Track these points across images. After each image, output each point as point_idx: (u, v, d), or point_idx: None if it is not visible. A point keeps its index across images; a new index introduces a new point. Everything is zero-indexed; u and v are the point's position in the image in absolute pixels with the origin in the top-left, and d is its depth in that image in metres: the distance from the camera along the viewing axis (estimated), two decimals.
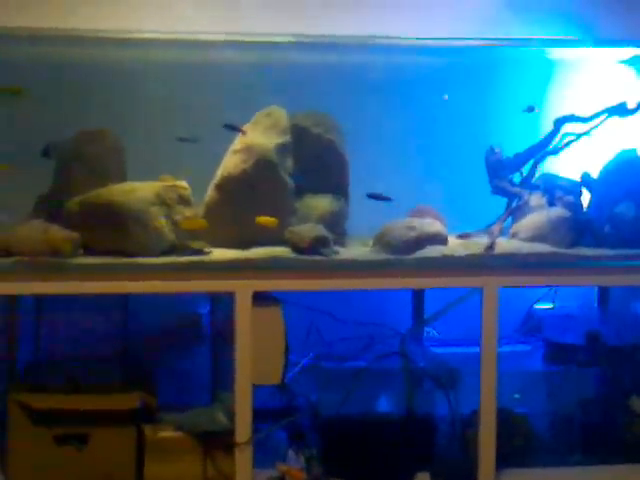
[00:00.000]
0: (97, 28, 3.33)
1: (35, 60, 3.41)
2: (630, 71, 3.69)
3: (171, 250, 3.10)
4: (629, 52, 3.59)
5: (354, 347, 3.42)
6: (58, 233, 3.01)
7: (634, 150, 3.44)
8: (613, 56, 3.66)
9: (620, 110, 3.51)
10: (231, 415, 3.08)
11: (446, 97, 3.45)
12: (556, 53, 3.66)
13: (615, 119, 3.52)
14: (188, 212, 3.16)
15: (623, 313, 3.63)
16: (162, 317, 3.36)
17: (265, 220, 3.14)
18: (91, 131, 3.29)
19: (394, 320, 3.50)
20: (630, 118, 3.52)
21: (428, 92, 3.58)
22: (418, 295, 3.57)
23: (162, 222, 3.08)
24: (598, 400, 3.47)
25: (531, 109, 3.53)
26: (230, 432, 3.06)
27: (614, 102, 3.51)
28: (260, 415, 3.12)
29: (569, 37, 3.66)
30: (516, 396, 3.43)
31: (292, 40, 3.40)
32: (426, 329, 3.62)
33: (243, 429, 3.05)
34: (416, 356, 3.42)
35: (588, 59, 3.68)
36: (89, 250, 3.05)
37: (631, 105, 3.50)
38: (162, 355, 3.37)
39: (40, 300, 3.27)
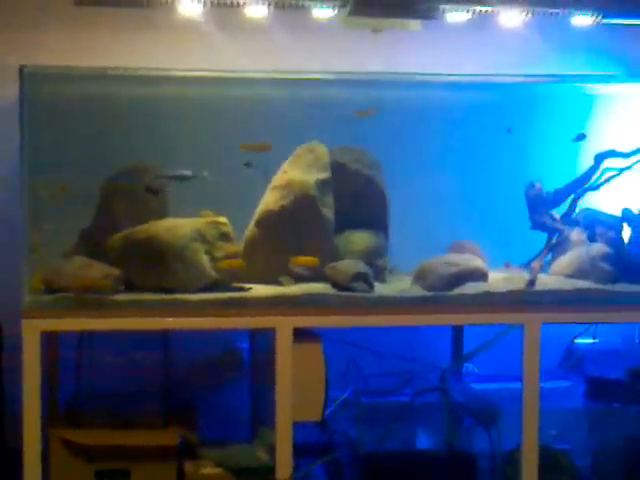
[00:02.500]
0: (140, 66, 3.37)
1: (78, 97, 3.45)
2: None
3: (212, 286, 3.11)
4: None
5: (394, 382, 3.41)
6: (99, 270, 3.03)
7: None
8: None
9: None
10: (271, 452, 3.08)
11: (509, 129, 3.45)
12: (597, 89, 3.66)
13: None
14: (229, 248, 3.17)
15: None
16: (203, 352, 3.37)
17: (305, 260, 3.14)
18: (132, 167, 3.32)
19: (434, 355, 3.49)
20: None
21: (471, 127, 3.58)
22: (458, 330, 3.56)
23: (203, 258, 3.10)
24: None
25: (582, 137, 3.51)
26: (270, 469, 3.06)
27: None
28: (300, 452, 3.11)
29: (609, 73, 3.66)
30: (553, 433, 3.41)
31: (335, 77, 3.42)
32: (466, 365, 3.60)
33: (283, 466, 3.04)
34: (456, 392, 3.41)
35: (628, 94, 3.67)
36: (131, 286, 3.07)
37: None
38: (203, 390, 3.37)
39: (82, 335, 3.29)
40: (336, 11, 3.32)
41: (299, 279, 3.20)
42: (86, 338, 3.25)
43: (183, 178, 3.18)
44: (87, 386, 3.28)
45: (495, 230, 3.56)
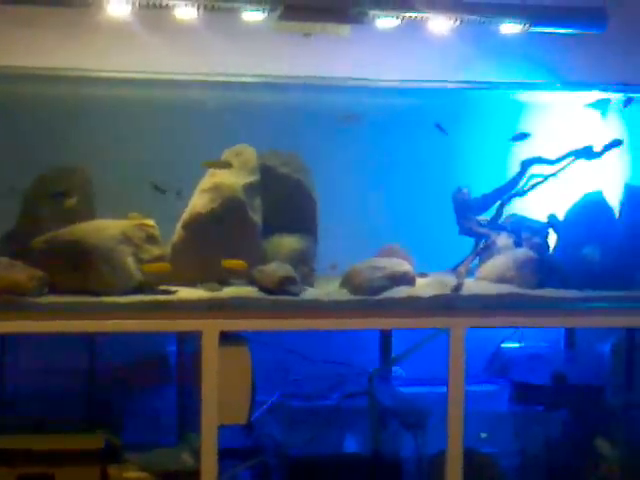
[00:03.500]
0: (68, 66, 3.34)
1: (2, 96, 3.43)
2: (596, 114, 3.74)
3: (138, 289, 3.09)
4: (595, 96, 3.63)
5: (322, 386, 3.42)
6: (23, 271, 3.00)
7: (599, 192, 3.48)
8: (580, 99, 3.70)
9: (586, 153, 3.55)
10: (197, 455, 3.07)
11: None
12: (524, 96, 3.70)
13: (581, 162, 3.56)
14: (156, 251, 3.16)
15: (589, 354, 3.65)
16: (129, 356, 3.35)
17: (233, 263, 3.14)
18: (59, 168, 3.29)
19: (362, 359, 3.51)
20: (596, 161, 3.57)
21: (397, 132, 3.60)
22: (386, 334, 3.58)
23: (129, 261, 3.08)
24: (564, 441, 3.48)
25: (522, 136, 3.55)
26: (196, 472, 3.04)
27: (581, 145, 3.56)
28: (226, 455, 3.11)
29: (538, 80, 3.70)
30: (483, 436, 3.44)
31: (263, 80, 3.42)
32: (394, 368, 3.62)
33: (209, 470, 3.03)
34: (383, 396, 3.42)
35: (556, 102, 3.72)
36: (55, 289, 3.04)
37: (597, 148, 3.55)
38: (128, 394, 3.35)
39: (4, 339, 3.25)
40: (266, 15, 3.32)
41: (225, 283, 3.20)
42: (9, 341, 3.22)
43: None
44: (10, 390, 3.24)
45: (424, 235, 3.59)
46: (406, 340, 3.44)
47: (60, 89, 3.46)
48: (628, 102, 3.50)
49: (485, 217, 3.57)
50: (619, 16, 3.59)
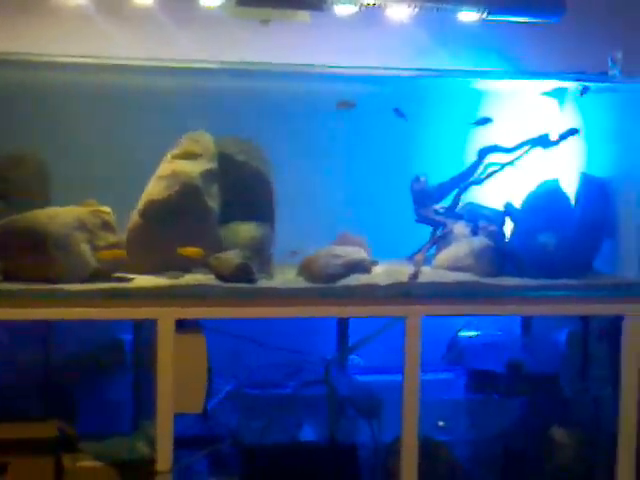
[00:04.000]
0: (21, 51, 3.29)
1: None
2: (553, 103, 3.75)
3: (93, 276, 3.07)
4: (552, 84, 3.64)
5: (278, 374, 3.41)
6: None
7: (556, 181, 3.50)
8: (537, 88, 3.71)
9: (543, 141, 3.56)
10: (152, 444, 3.05)
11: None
12: (482, 84, 3.70)
13: (538, 150, 3.58)
14: (111, 238, 3.13)
15: (545, 342, 3.67)
16: (84, 344, 3.32)
17: (190, 251, 3.12)
18: (12, 155, 3.25)
19: (319, 347, 3.50)
20: (553, 149, 3.58)
21: (354, 120, 3.59)
22: (343, 323, 3.58)
23: (84, 248, 3.05)
24: (520, 429, 3.50)
25: (485, 121, 3.56)
26: (151, 461, 3.03)
27: (537, 133, 3.57)
28: (182, 444, 3.09)
29: (494, 69, 3.71)
30: (441, 424, 3.45)
31: (219, 66, 3.39)
32: (351, 357, 3.62)
33: (164, 458, 3.01)
34: (340, 384, 3.42)
35: (513, 90, 3.73)
36: (10, 276, 3.01)
37: (553, 137, 3.56)
38: (83, 383, 3.32)
39: None
40: (223, 0, 3.30)
41: (184, 270, 3.18)
42: None
43: None
44: None
45: (381, 223, 3.59)
46: (363, 328, 3.44)
47: (11, 74, 3.41)
48: (584, 91, 3.51)
49: (443, 205, 3.57)
50: (576, 5, 3.59)
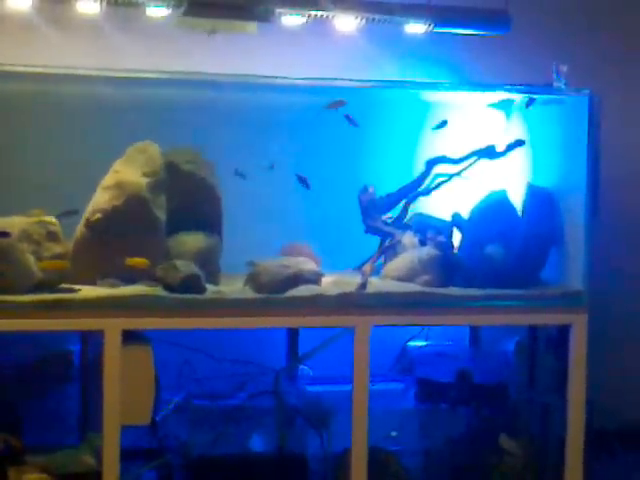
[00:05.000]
0: None
1: None
2: (499, 114, 3.78)
3: (39, 287, 3.04)
4: (498, 96, 3.67)
5: (228, 385, 3.40)
6: None
7: (503, 191, 3.52)
8: (483, 99, 3.74)
9: (489, 152, 3.59)
10: (99, 456, 3.03)
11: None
12: (430, 96, 3.72)
13: (485, 161, 3.60)
14: (57, 248, 3.10)
15: (493, 352, 3.69)
16: (30, 355, 3.28)
17: (136, 262, 3.10)
18: None
19: (268, 358, 3.49)
20: (499, 160, 3.61)
21: (303, 131, 3.60)
22: (293, 333, 3.57)
23: (29, 258, 3.02)
24: (469, 438, 3.52)
25: (442, 124, 3.59)
26: (97, 474, 3.01)
27: (484, 144, 3.60)
28: (129, 456, 3.07)
29: (442, 81, 3.74)
30: (393, 434, 3.46)
31: (166, 77, 3.38)
32: (300, 367, 3.61)
33: (111, 471, 2.99)
34: (290, 395, 3.42)
35: (460, 102, 3.75)
36: None
37: (500, 148, 3.59)
38: (29, 394, 3.28)
39: None
40: (170, 11, 3.29)
41: (126, 281, 3.16)
42: None
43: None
44: None
45: (330, 233, 3.60)
46: (313, 338, 3.44)
47: None
48: (530, 102, 3.55)
49: (391, 215, 3.58)
50: (522, 18, 3.63)
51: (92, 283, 3.14)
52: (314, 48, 3.61)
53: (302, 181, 3.45)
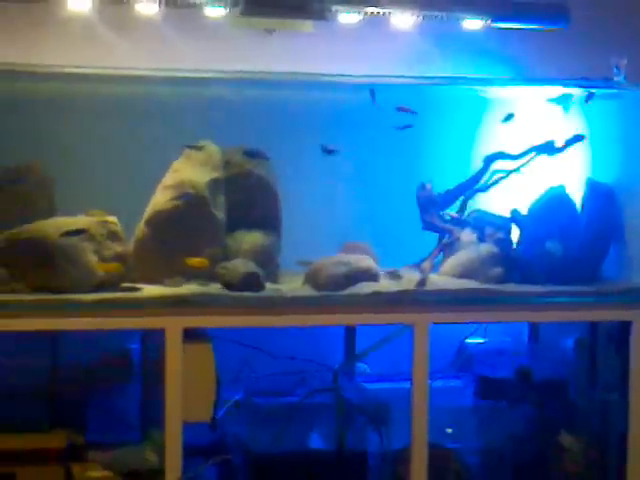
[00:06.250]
0: (25, 62, 3.30)
1: None
2: (558, 109, 3.75)
3: (100, 286, 3.07)
4: (557, 91, 3.64)
5: (286, 383, 3.41)
6: None
7: (562, 187, 3.50)
8: (543, 94, 3.71)
9: (548, 148, 3.56)
10: (161, 453, 3.05)
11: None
12: (487, 92, 3.71)
13: (544, 157, 3.58)
14: (118, 248, 3.14)
15: (552, 349, 3.66)
16: (92, 353, 3.32)
17: (195, 261, 3.13)
18: (18, 166, 3.26)
19: (327, 355, 3.50)
20: (558, 156, 3.58)
21: (360, 128, 3.60)
22: (350, 331, 3.58)
23: (91, 258, 3.05)
24: (528, 435, 3.49)
25: (509, 117, 3.56)
26: (159, 471, 3.03)
27: (543, 140, 3.57)
28: (190, 453, 3.09)
29: (499, 76, 3.71)
30: (449, 431, 3.45)
31: (225, 76, 3.40)
32: (358, 364, 3.62)
33: (172, 468, 3.01)
34: (348, 392, 3.42)
35: (518, 97, 3.73)
36: (17, 287, 3.01)
37: (559, 143, 3.56)
38: (91, 392, 3.32)
39: None
40: (228, 10, 3.31)
41: (190, 279, 3.18)
42: None
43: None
44: None
45: (388, 230, 3.59)
46: (370, 336, 3.44)
47: (15, 85, 3.42)
48: (589, 97, 3.51)
49: (455, 213, 3.56)
50: (581, 11, 3.59)
51: (153, 282, 3.17)
52: (371, 45, 3.60)
53: (327, 151, 3.41)
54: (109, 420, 3.31)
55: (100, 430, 3.23)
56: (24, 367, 3.21)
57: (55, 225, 3.05)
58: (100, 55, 3.37)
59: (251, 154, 3.33)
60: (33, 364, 3.22)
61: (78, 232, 3.02)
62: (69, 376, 3.28)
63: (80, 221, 3.09)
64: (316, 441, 3.44)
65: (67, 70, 3.25)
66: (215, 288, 3.13)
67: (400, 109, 3.39)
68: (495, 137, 3.71)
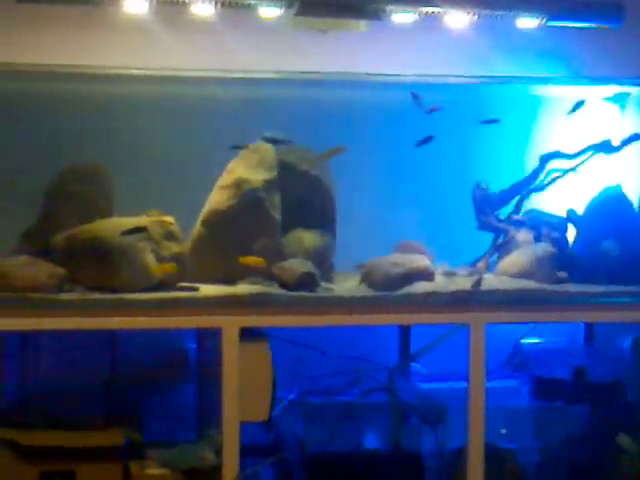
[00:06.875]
0: (85, 64, 3.35)
1: (20, 95, 3.43)
2: (615, 108, 3.72)
3: (158, 286, 3.09)
4: (613, 89, 3.62)
5: (341, 382, 3.42)
6: (43, 268, 3.00)
7: (619, 186, 3.47)
8: (598, 93, 3.69)
9: (605, 147, 3.54)
10: (218, 451, 3.07)
11: None
12: (542, 90, 3.69)
13: (600, 156, 3.55)
14: (175, 248, 3.16)
15: (609, 349, 3.63)
16: (149, 352, 3.35)
17: (252, 260, 3.14)
18: (79, 166, 3.30)
19: (381, 355, 3.50)
20: (615, 155, 3.55)
21: (415, 128, 3.59)
22: (405, 330, 3.57)
23: (149, 257, 3.08)
24: (586, 436, 3.47)
25: (492, 121, 3.52)
26: (217, 469, 3.04)
27: (599, 139, 3.55)
28: (247, 451, 3.10)
29: (555, 74, 3.69)
30: (503, 431, 3.43)
31: (280, 76, 3.42)
32: (413, 364, 3.61)
33: (230, 466, 3.03)
34: (403, 391, 3.42)
35: (573, 96, 3.70)
36: (75, 286, 3.04)
37: (616, 142, 3.53)
38: (148, 391, 3.35)
39: (24, 335, 3.25)
40: (283, 11, 3.32)
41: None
42: (30, 338, 3.22)
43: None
44: (30, 387, 3.24)
45: (442, 229, 3.59)
46: (425, 336, 3.43)
47: (77, 87, 3.46)
48: (491, 121, 3.48)
49: (518, 216, 3.55)
50: (636, 9, 3.56)
51: (209, 282, 3.19)
52: (425, 45, 3.59)
53: (416, 98, 3.38)
54: (166, 418, 3.34)
55: (157, 428, 3.26)
56: (82, 365, 3.24)
57: (114, 225, 3.08)
58: (156, 57, 3.40)
59: (272, 140, 3.32)
60: (91, 362, 3.25)
61: (139, 230, 3.04)
62: (127, 374, 3.31)
63: (138, 221, 3.12)
64: (371, 441, 3.44)
65: (124, 72, 3.29)
66: (272, 287, 3.14)
67: (486, 122, 3.38)
68: (551, 137, 3.69)
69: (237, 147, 3.26)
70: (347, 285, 3.29)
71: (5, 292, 2.96)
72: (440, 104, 3.34)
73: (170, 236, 3.16)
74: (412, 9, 3.39)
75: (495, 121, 3.47)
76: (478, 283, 3.23)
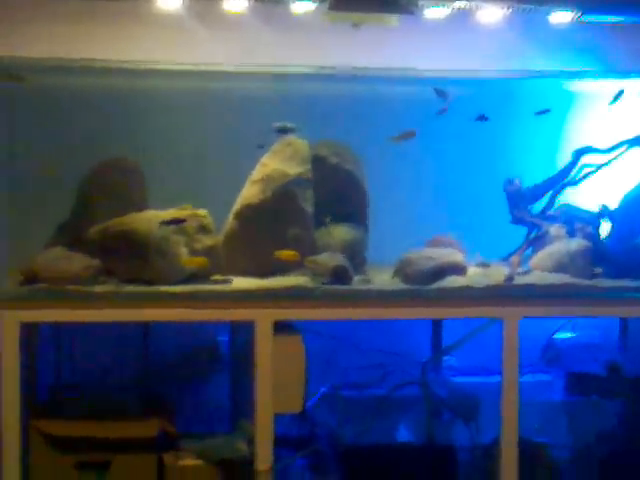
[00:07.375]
0: (118, 59, 3.37)
1: (53, 89, 3.46)
2: None
3: (191, 278, 3.11)
4: None
5: (374, 376, 3.42)
6: (78, 261, 3.03)
7: None
8: (633, 88, 3.67)
9: (639, 142, 3.52)
10: (251, 443, 3.08)
11: None
12: (576, 85, 3.68)
13: (635, 150, 3.53)
14: (208, 241, 3.17)
15: None
16: (182, 345, 3.37)
17: (286, 254, 3.15)
18: (112, 160, 3.32)
19: (414, 348, 3.50)
20: None
21: (447, 122, 3.59)
22: (438, 324, 3.57)
23: (182, 250, 3.10)
24: (619, 431, 3.46)
25: (545, 111, 3.52)
26: (250, 460, 3.06)
27: (633, 134, 3.53)
28: (280, 443, 3.11)
29: (588, 69, 3.68)
30: (536, 426, 3.42)
31: (314, 71, 3.43)
32: (446, 358, 3.61)
33: (264, 457, 3.04)
34: (436, 385, 3.42)
35: (607, 91, 3.69)
36: (110, 278, 3.07)
37: None
38: (182, 382, 3.37)
39: (60, 327, 3.28)
40: (316, 5, 3.33)
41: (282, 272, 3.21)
42: (64, 329, 3.25)
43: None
44: (65, 378, 3.27)
45: (475, 224, 3.58)
46: (458, 330, 3.43)
47: (111, 81, 3.49)
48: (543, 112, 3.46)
49: (549, 210, 3.54)
50: None
51: (243, 274, 3.21)
52: (457, 39, 3.59)
53: (440, 94, 3.38)
54: (199, 410, 3.36)
55: (191, 420, 3.27)
56: (117, 357, 3.26)
57: (148, 218, 3.11)
58: (189, 52, 3.42)
59: (282, 130, 3.32)
60: (125, 354, 3.28)
61: (178, 221, 3.06)
62: (161, 366, 3.33)
63: (172, 214, 3.14)
64: (403, 434, 3.44)
65: (158, 67, 3.31)
66: (305, 280, 3.15)
67: (540, 112, 3.38)
68: (584, 131, 3.68)
69: (261, 146, 3.27)
70: (381, 278, 3.29)
71: (40, 284, 2.99)
72: (447, 105, 3.35)
73: (203, 229, 3.18)
74: (444, 3, 3.39)
75: (547, 111, 3.47)
76: (511, 277, 3.23)
